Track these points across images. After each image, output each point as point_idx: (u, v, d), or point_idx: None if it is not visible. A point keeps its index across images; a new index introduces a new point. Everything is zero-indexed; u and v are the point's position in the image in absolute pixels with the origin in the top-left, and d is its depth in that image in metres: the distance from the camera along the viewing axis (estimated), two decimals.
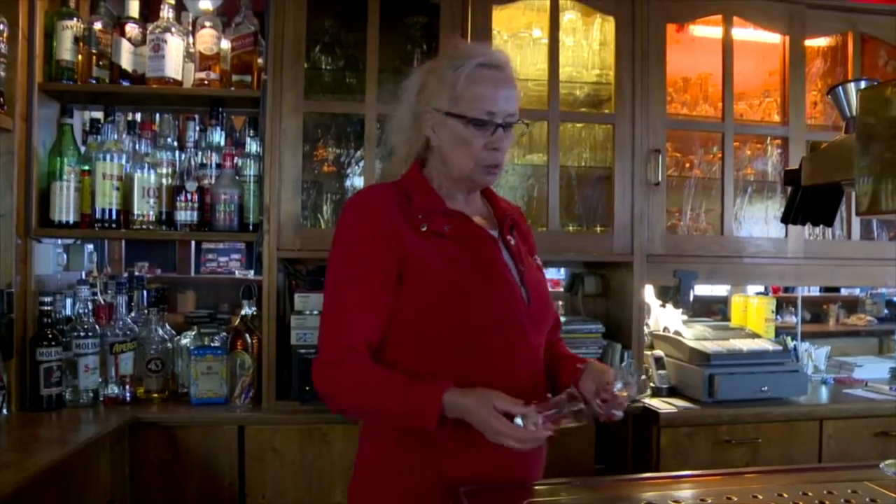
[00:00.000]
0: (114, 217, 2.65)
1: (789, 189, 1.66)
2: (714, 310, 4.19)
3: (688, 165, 3.12)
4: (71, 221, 2.63)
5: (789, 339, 3.32)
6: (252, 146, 2.79)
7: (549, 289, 1.79)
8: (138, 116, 2.96)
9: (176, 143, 2.83)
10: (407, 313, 1.51)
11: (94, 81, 2.68)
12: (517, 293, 1.58)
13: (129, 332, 2.69)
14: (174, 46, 2.70)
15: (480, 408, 1.39)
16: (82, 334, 2.56)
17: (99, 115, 2.89)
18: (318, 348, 1.55)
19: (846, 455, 2.75)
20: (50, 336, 2.48)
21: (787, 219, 1.66)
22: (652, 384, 2.89)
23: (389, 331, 1.53)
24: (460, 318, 1.50)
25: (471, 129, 1.53)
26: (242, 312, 2.76)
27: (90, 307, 2.64)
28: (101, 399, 2.60)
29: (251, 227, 2.73)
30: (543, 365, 1.66)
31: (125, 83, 2.73)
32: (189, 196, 2.69)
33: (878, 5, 3.13)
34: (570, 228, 2.94)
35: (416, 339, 1.52)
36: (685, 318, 3.11)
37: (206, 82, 2.75)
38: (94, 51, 2.68)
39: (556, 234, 2.81)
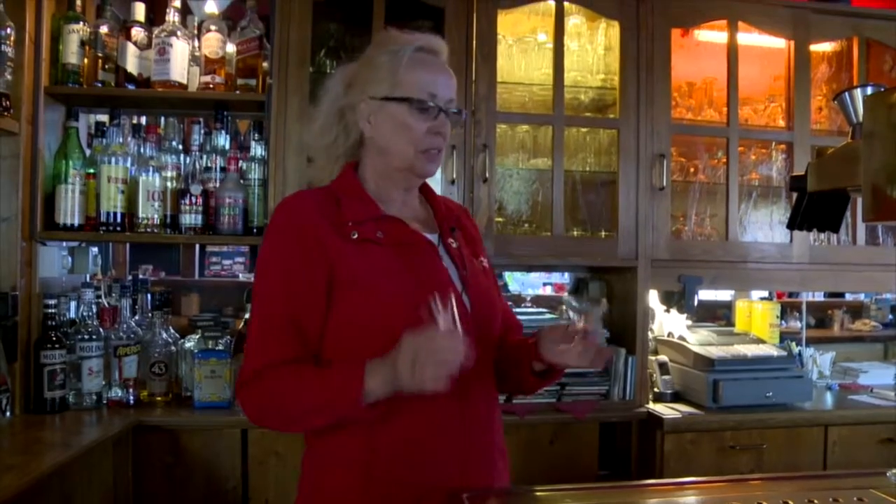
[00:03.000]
0: (118, 220, 2.65)
1: (795, 195, 1.65)
2: (718, 315, 4.18)
3: (692, 170, 3.12)
4: (76, 224, 2.64)
5: (794, 344, 3.31)
6: (257, 150, 2.79)
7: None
8: (143, 120, 2.98)
9: (181, 147, 2.83)
10: (338, 326, 1.43)
11: (99, 85, 2.69)
12: (458, 302, 1.44)
13: (132, 336, 2.69)
14: (179, 50, 2.71)
15: (402, 347, 1.27)
16: (86, 337, 2.57)
17: (104, 118, 2.90)
18: None
19: (851, 462, 2.74)
20: (54, 339, 2.49)
21: (792, 225, 1.65)
22: (656, 389, 2.89)
23: (323, 343, 1.44)
24: (394, 331, 1.33)
25: (414, 113, 1.45)
26: (246, 316, 2.76)
27: (94, 310, 2.64)
28: (105, 402, 2.60)
29: (255, 231, 2.73)
30: (494, 372, 1.58)
31: (130, 87, 2.73)
32: (193, 199, 2.69)
33: (883, 10, 3.13)
34: (575, 233, 2.94)
35: (348, 352, 1.41)
36: (689, 323, 3.11)
37: (211, 86, 2.75)
38: (99, 54, 2.68)
39: (560, 239, 2.80)
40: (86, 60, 2.68)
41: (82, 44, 2.66)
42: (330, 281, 1.42)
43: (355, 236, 1.44)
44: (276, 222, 1.48)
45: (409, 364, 1.25)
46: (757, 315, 3.37)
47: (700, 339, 2.94)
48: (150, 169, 2.69)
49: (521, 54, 2.96)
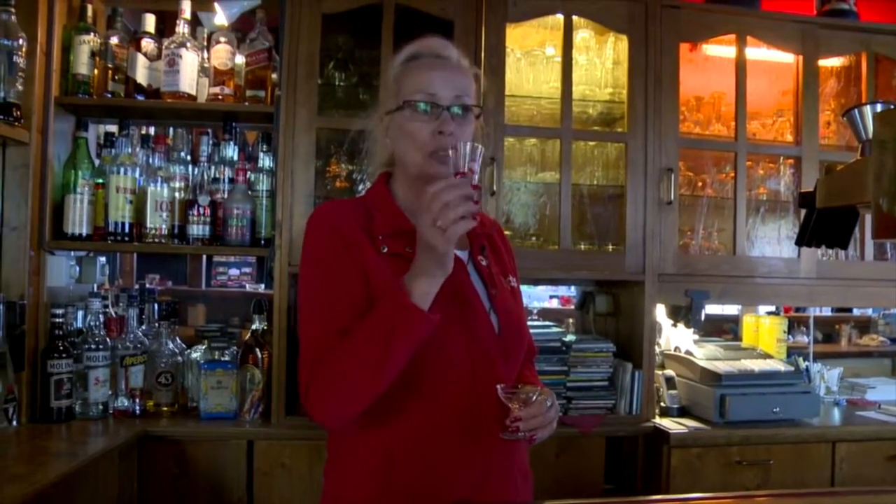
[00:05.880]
0: (126, 230, 2.66)
1: (804, 211, 1.65)
2: (725, 329, 4.17)
3: (700, 185, 3.11)
4: (84, 234, 2.65)
5: (801, 359, 3.29)
6: (265, 161, 2.80)
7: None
8: (152, 130, 2.98)
9: (189, 158, 2.84)
10: None
11: (109, 95, 2.70)
12: (486, 321, 1.49)
13: (139, 346, 2.69)
14: (189, 61, 2.72)
15: (419, 243, 1.30)
16: (93, 347, 2.57)
17: (113, 128, 2.92)
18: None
19: (859, 478, 2.72)
20: (61, 348, 2.49)
21: (801, 241, 1.65)
22: (663, 404, 2.88)
23: None
24: (421, 349, 1.34)
25: (414, 118, 1.46)
26: (253, 327, 2.76)
27: (101, 320, 2.64)
28: (111, 412, 2.60)
29: (263, 242, 2.74)
30: None
31: (140, 97, 2.75)
32: (201, 210, 2.70)
33: (891, 25, 3.13)
34: (582, 247, 2.93)
35: None
36: (696, 337, 3.10)
37: (219, 97, 2.76)
38: (109, 65, 2.70)
39: (567, 253, 2.80)
40: (96, 71, 2.70)
41: (93, 55, 2.68)
42: (366, 285, 1.42)
43: (385, 250, 1.45)
44: (315, 226, 1.50)
45: (430, 224, 1.26)
46: (764, 330, 3.36)
47: (707, 354, 2.93)
48: (159, 179, 2.70)
49: (530, 68, 2.97)
